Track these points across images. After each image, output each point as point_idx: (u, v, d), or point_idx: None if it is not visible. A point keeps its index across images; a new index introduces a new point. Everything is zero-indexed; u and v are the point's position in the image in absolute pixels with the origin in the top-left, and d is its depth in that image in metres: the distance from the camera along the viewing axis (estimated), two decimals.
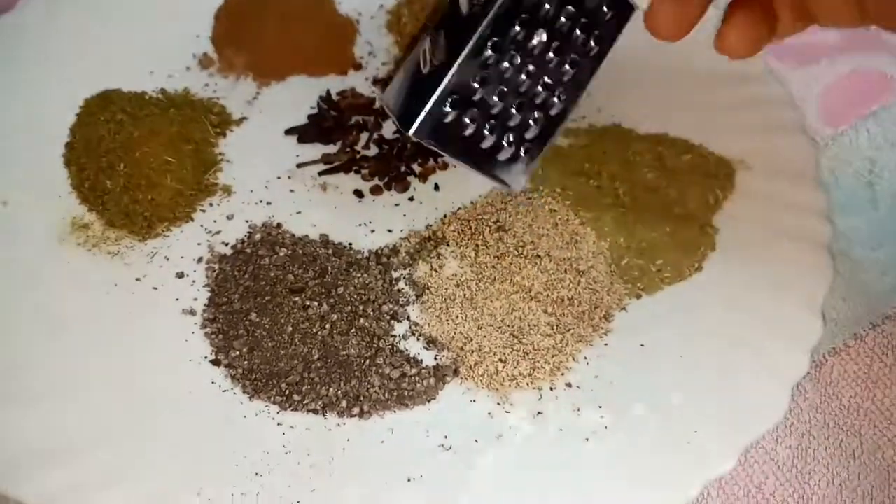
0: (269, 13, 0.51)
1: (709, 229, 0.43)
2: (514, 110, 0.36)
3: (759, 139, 0.47)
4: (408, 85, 0.36)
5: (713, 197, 0.44)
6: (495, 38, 0.34)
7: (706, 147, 0.47)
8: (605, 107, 0.50)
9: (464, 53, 0.34)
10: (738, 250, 0.42)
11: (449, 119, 0.35)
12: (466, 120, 0.35)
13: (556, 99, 0.37)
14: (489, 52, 0.34)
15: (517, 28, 0.34)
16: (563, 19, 0.35)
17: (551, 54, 0.36)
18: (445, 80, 0.34)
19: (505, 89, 0.35)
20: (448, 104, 0.34)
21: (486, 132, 0.36)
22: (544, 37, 0.35)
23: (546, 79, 0.36)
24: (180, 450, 0.34)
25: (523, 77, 0.36)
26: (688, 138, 0.48)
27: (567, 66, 0.37)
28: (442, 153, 0.36)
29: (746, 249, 0.42)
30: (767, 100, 0.49)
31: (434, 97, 0.34)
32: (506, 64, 0.35)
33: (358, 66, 0.51)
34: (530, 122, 0.37)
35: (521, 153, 0.37)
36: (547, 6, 0.34)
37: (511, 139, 0.37)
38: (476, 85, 0.35)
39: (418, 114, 0.34)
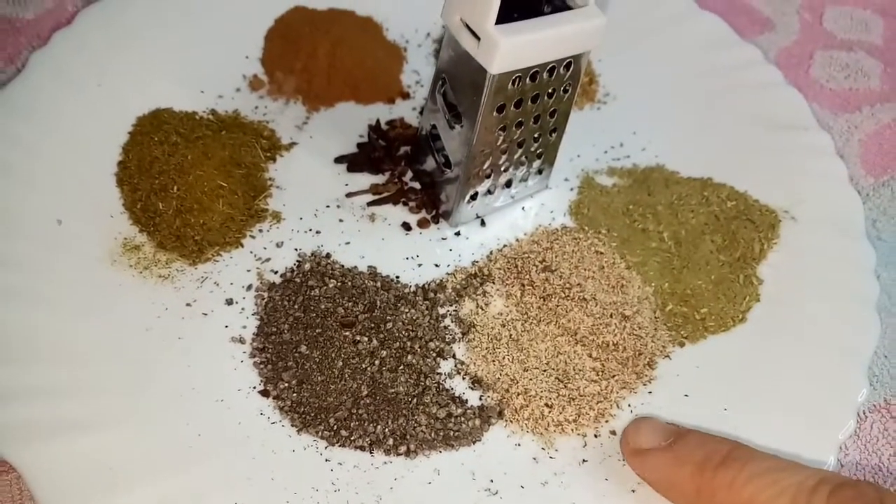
0: (319, 38, 0.51)
1: (754, 279, 0.43)
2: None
3: (805, 188, 0.47)
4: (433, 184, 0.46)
5: (758, 246, 0.44)
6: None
7: (750, 195, 0.47)
8: (648, 147, 0.51)
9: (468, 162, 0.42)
10: (782, 303, 0.42)
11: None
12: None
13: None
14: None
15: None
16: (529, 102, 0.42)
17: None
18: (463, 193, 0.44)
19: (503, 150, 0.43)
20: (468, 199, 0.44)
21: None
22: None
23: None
24: (230, 482, 0.34)
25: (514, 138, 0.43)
26: (732, 184, 0.48)
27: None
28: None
29: (791, 302, 0.42)
30: (812, 148, 0.49)
31: (460, 203, 0.44)
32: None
33: (406, 95, 0.52)
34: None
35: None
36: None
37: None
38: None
39: (450, 213, 0.45)
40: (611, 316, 0.41)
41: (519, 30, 0.36)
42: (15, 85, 0.45)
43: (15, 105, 0.44)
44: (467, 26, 0.37)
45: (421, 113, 0.51)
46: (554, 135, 0.45)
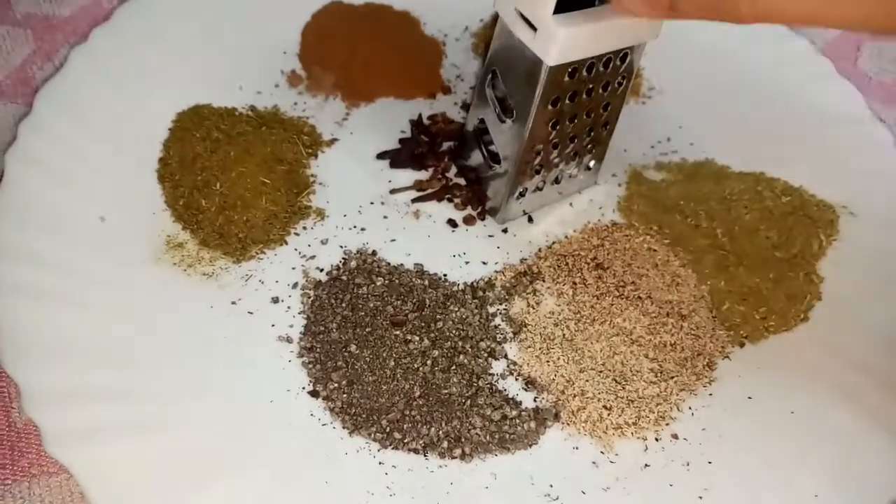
0: (357, 33, 0.51)
1: (814, 277, 0.42)
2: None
3: (862, 184, 0.45)
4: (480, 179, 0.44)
5: (817, 243, 0.43)
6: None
7: (806, 189, 0.46)
8: (697, 141, 0.49)
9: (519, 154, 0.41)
10: (845, 301, 0.41)
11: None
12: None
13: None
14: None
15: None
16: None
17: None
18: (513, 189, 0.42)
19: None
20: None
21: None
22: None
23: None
24: (285, 485, 0.33)
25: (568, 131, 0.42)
26: (786, 179, 0.46)
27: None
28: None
29: (854, 301, 0.41)
30: (869, 141, 0.48)
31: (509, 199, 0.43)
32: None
33: (447, 90, 0.50)
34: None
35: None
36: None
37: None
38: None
39: (498, 210, 0.44)
40: (667, 315, 0.40)
41: (577, 20, 0.35)
42: (55, 82, 0.44)
43: (55, 102, 0.43)
44: (522, 16, 0.36)
45: (463, 108, 0.50)
46: (606, 129, 0.43)
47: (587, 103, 0.40)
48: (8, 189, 0.39)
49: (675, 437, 0.36)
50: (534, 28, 0.36)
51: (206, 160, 0.42)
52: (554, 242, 0.43)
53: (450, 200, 0.45)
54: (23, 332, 0.34)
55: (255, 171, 0.42)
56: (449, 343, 0.38)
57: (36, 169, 0.40)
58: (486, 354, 0.38)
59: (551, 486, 0.34)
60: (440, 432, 0.35)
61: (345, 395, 0.36)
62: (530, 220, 0.45)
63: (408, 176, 0.46)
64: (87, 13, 0.54)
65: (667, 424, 0.37)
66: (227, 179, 0.42)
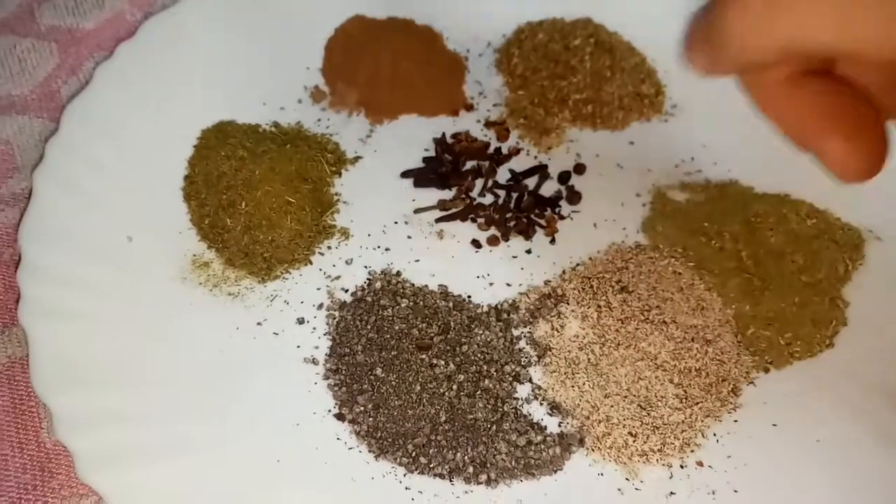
0: (381, 48, 0.51)
1: (839, 302, 0.42)
2: None
3: (889, 207, 0.45)
4: None
5: (843, 267, 0.43)
6: None
7: (831, 212, 0.46)
8: (721, 160, 0.49)
9: None
10: (871, 327, 0.40)
11: None
12: None
13: None
14: None
15: None
16: None
17: None
18: None
19: None
20: None
21: None
22: None
23: None
24: None
25: None
26: (811, 201, 0.46)
27: None
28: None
29: (880, 327, 0.40)
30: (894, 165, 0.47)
31: None
32: None
33: (470, 107, 0.50)
34: None
35: None
36: None
37: None
38: None
39: None
40: (692, 340, 0.40)
41: None
42: (81, 99, 0.44)
43: (82, 119, 0.44)
44: None
45: (486, 126, 0.49)
46: None
47: None
48: (36, 209, 0.39)
49: (701, 464, 0.36)
50: None
51: (232, 179, 0.43)
52: (578, 264, 0.43)
53: (473, 220, 0.45)
54: (52, 355, 0.35)
55: (280, 190, 0.42)
56: (474, 367, 0.38)
57: (64, 188, 0.41)
58: (510, 378, 0.38)
59: None
60: (466, 458, 0.35)
61: (371, 419, 0.36)
62: (553, 241, 0.45)
63: (431, 195, 0.46)
64: (112, 25, 0.54)
65: (692, 451, 0.37)
66: (253, 198, 0.42)
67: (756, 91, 0.29)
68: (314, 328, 0.40)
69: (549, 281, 0.43)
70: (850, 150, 0.27)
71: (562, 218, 0.45)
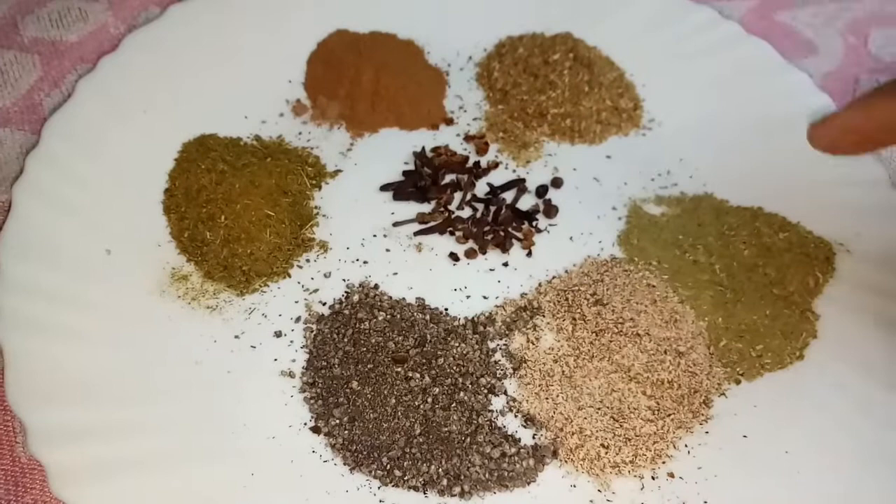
0: (363, 62, 0.51)
1: (810, 315, 0.42)
2: None
3: (859, 221, 0.46)
4: None
5: (813, 280, 0.44)
6: None
7: (803, 226, 0.46)
8: (696, 174, 0.50)
9: None
10: (840, 339, 0.41)
11: None
12: None
13: None
14: None
15: None
16: None
17: None
18: None
19: None
20: None
21: None
22: None
23: None
24: None
25: None
26: (784, 214, 0.47)
27: None
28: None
29: (850, 338, 0.41)
30: (866, 179, 0.48)
31: None
32: None
33: (450, 121, 0.51)
34: None
35: None
36: None
37: None
38: None
39: None
40: (665, 352, 0.40)
41: None
42: (63, 112, 0.45)
43: (63, 133, 0.44)
44: None
45: (465, 139, 0.50)
46: None
47: None
48: (15, 222, 0.40)
49: (672, 475, 0.37)
50: None
51: (211, 192, 0.43)
52: (554, 277, 0.44)
53: (451, 234, 0.45)
54: (27, 368, 0.35)
55: (259, 204, 0.43)
56: (449, 380, 0.38)
57: (43, 202, 0.41)
58: (486, 391, 0.39)
59: None
60: (440, 470, 0.35)
61: (346, 432, 0.36)
62: (529, 253, 0.45)
63: (410, 208, 0.46)
64: (95, 38, 0.54)
65: (663, 463, 0.37)
66: (232, 212, 0.42)
67: None
68: (291, 341, 0.40)
69: (526, 294, 0.43)
70: None
71: (538, 231, 0.46)
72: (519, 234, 0.45)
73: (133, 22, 0.53)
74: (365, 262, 0.43)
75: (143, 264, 0.41)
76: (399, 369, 0.38)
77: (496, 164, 0.49)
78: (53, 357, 0.36)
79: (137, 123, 0.46)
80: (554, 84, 0.52)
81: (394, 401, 0.37)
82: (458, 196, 0.47)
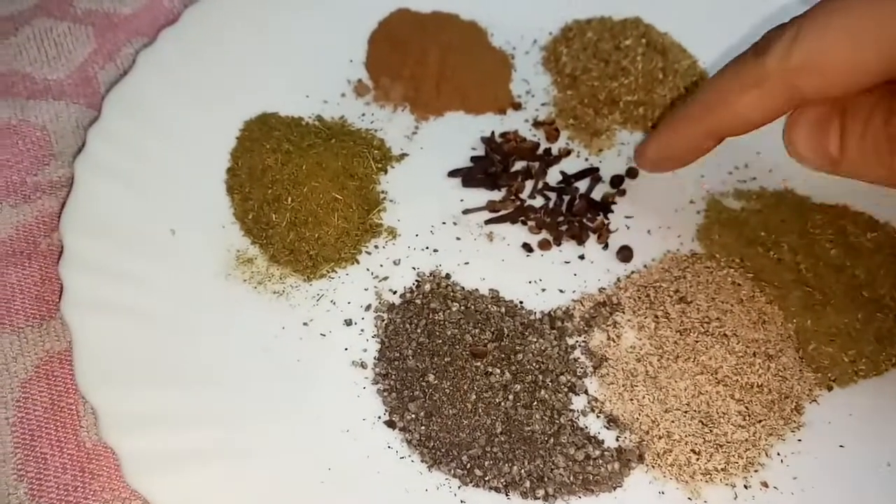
0: (428, 43, 0.49)
1: None
2: None
3: None
4: None
5: None
6: None
7: (892, 225, 0.44)
8: (776, 168, 0.48)
9: None
10: None
11: None
12: None
13: None
14: None
15: None
16: None
17: None
18: None
19: None
20: None
21: None
22: None
23: None
24: None
25: None
26: (870, 212, 0.45)
27: None
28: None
29: None
30: None
31: None
32: None
33: (517, 106, 0.49)
34: None
35: None
36: None
37: None
38: None
39: None
40: (754, 355, 0.38)
41: None
42: (123, 86, 0.43)
43: (124, 107, 0.42)
44: None
45: (534, 125, 0.48)
46: None
47: None
48: (78, 198, 0.38)
49: (766, 485, 0.35)
50: None
51: (277, 173, 0.41)
52: (633, 272, 0.42)
53: (524, 223, 0.43)
54: (95, 350, 0.33)
55: (327, 186, 0.41)
56: (530, 377, 0.36)
57: (106, 178, 0.39)
58: (566, 389, 0.37)
59: None
60: (522, 471, 0.34)
61: (423, 428, 0.34)
62: (605, 246, 0.43)
63: (480, 195, 0.44)
64: (149, 11, 0.52)
65: (756, 471, 0.35)
66: (299, 194, 0.40)
67: (859, 144, 0.33)
68: (362, 330, 0.38)
69: (604, 288, 0.41)
70: None
71: (610, 232, 0.43)
72: (593, 226, 0.43)
73: None
74: (435, 251, 0.41)
75: (207, 246, 0.39)
76: (478, 364, 0.36)
77: (568, 152, 0.46)
78: (121, 338, 0.34)
79: (198, 99, 0.45)
80: (626, 70, 0.49)
81: (474, 397, 0.35)
82: (529, 184, 0.45)
